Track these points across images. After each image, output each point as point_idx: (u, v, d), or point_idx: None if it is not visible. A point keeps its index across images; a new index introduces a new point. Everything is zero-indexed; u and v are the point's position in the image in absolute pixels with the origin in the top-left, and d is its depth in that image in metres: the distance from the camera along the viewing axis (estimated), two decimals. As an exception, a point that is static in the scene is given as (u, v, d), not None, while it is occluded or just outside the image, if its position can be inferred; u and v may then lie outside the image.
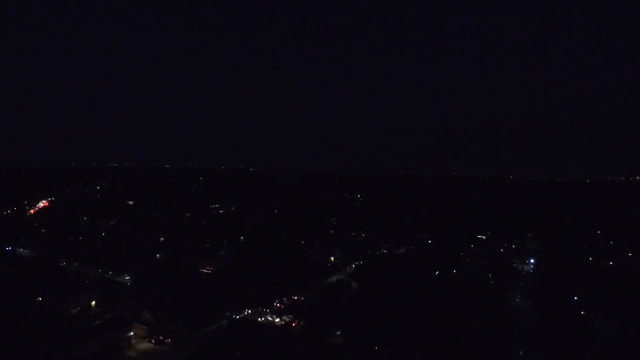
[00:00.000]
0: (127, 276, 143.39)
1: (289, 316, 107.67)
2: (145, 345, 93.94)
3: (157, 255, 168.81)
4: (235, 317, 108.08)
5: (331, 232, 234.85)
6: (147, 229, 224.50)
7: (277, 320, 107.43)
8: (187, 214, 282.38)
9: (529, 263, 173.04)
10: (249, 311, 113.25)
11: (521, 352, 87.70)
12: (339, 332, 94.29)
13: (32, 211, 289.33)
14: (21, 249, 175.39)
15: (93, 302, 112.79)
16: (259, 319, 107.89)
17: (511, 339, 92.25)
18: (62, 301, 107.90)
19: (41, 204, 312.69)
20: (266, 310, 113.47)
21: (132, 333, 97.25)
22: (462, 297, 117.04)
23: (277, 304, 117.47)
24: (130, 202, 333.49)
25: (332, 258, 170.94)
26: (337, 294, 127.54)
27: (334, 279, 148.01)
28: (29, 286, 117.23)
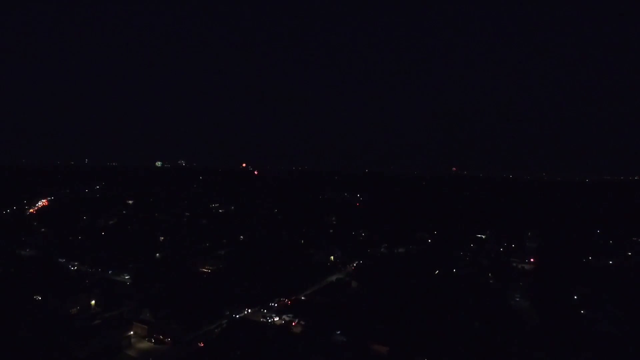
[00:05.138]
0: (127, 275, 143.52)
1: (289, 315, 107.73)
2: (145, 345, 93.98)
3: (157, 254, 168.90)
4: (235, 316, 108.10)
5: (331, 231, 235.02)
6: (146, 229, 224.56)
7: (277, 319, 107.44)
8: (187, 214, 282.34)
9: (529, 262, 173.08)
10: (249, 310, 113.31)
11: (521, 352, 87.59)
12: (339, 332, 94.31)
13: (32, 210, 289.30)
14: (21, 249, 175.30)
15: (93, 302, 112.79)
16: (259, 319, 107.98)
17: (511, 338, 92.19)
18: (61, 300, 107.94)
19: (41, 204, 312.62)
20: (266, 309, 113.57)
21: (131, 332, 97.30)
22: (461, 296, 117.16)
23: (277, 303, 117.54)
24: (130, 202, 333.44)
25: (332, 257, 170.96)
26: (337, 293, 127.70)
27: (333, 278, 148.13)
28: (28, 286, 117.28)
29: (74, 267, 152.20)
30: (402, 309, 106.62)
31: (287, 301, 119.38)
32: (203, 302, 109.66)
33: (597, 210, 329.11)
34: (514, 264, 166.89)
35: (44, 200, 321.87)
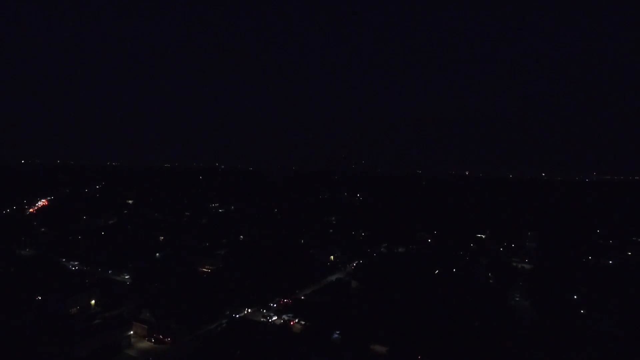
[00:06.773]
0: (127, 275, 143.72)
1: (288, 315, 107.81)
2: (145, 344, 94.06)
3: (157, 254, 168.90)
4: (235, 316, 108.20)
5: (331, 231, 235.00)
6: (146, 228, 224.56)
7: (277, 319, 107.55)
8: (186, 213, 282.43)
9: (528, 262, 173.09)
10: (249, 310, 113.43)
11: (521, 351, 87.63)
12: (338, 331, 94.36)
13: (31, 210, 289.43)
14: (21, 249, 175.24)
15: (93, 301, 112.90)
16: (259, 318, 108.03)
17: (511, 338, 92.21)
18: (61, 300, 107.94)
19: (41, 203, 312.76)
20: (266, 309, 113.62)
21: (131, 332, 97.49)
22: (461, 296, 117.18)
23: (276, 303, 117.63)
24: (130, 202, 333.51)
25: (332, 257, 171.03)
26: (337, 292, 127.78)
27: (333, 277, 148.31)
28: (28, 285, 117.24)
29: (74, 267, 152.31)
30: (402, 308, 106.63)
31: (287, 301, 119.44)
32: (203, 302, 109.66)
33: (597, 210, 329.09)
34: (514, 264, 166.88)
35: (44, 200, 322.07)
